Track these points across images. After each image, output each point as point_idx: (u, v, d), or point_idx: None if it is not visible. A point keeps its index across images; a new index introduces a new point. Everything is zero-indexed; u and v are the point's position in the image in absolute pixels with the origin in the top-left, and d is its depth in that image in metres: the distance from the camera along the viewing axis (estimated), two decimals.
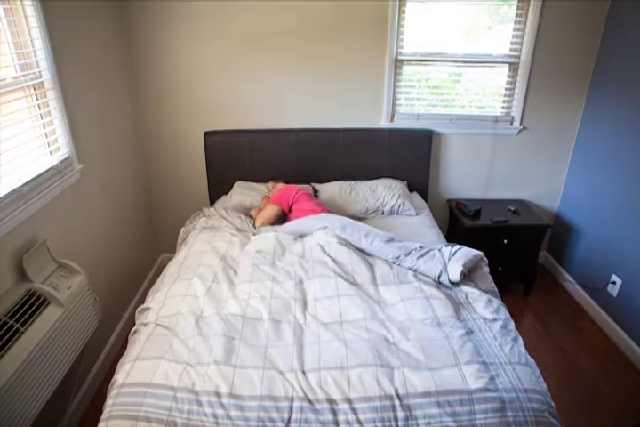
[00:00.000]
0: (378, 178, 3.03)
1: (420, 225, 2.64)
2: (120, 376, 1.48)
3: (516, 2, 2.79)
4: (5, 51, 1.72)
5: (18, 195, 1.66)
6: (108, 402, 1.42)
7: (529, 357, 1.58)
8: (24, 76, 1.79)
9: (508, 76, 2.98)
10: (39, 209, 1.81)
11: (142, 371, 1.48)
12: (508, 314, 1.81)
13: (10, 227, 1.62)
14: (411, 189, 3.09)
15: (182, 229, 2.63)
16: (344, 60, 2.87)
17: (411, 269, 2.03)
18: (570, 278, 3.13)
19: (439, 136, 3.10)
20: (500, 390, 1.42)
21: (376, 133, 3.01)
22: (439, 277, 1.96)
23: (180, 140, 3.06)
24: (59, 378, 1.65)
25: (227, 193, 3.00)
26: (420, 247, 2.10)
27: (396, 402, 1.38)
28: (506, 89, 3.03)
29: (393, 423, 1.34)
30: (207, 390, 1.40)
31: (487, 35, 2.92)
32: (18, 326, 1.51)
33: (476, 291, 1.91)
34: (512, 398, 1.40)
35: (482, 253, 2.04)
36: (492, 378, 1.45)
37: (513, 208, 3.04)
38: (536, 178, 3.23)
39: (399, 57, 2.89)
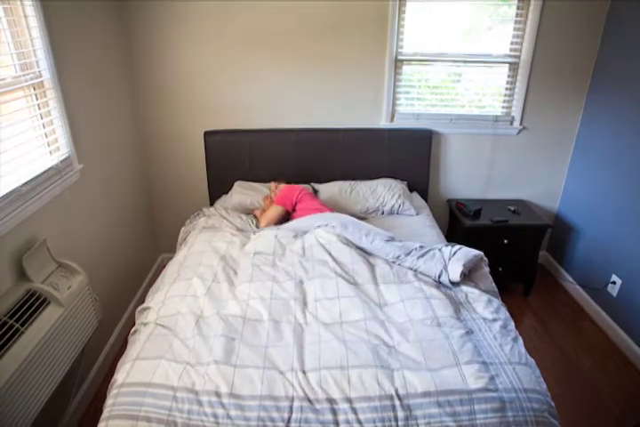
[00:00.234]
0: (378, 178, 3.03)
1: (420, 225, 2.64)
2: (120, 376, 1.48)
3: (516, 2, 2.79)
4: (5, 50, 1.72)
5: (18, 195, 1.66)
6: (108, 402, 1.41)
7: (529, 357, 1.58)
8: (24, 75, 1.79)
9: (508, 76, 2.98)
10: (39, 209, 1.81)
11: (142, 371, 1.48)
12: (508, 314, 1.81)
13: (10, 227, 1.62)
14: (411, 189, 3.09)
15: (182, 228, 2.63)
16: (344, 60, 2.87)
17: (411, 268, 2.03)
18: (570, 278, 3.13)
19: (439, 136, 3.11)
20: (500, 390, 1.42)
21: (376, 133, 3.01)
22: (439, 277, 1.96)
23: (180, 140, 3.06)
24: (59, 378, 1.65)
25: (227, 193, 3.00)
26: (421, 247, 2.10)
27: (397, 402, 1.38)
28: (506, 89, 3.03)
29: (393, 423, 1.34)
30: (207, 390, 1.40)
31: (487, 35, 2.92)
32: (18, 325, 1.51)
33: (476, 291, 1.91)
34: (512, 398, 1.40)
35: (482, 253, 2.04)
36: (492, 378, 1.45)
37: (513, 208, 3.04)
38: (536, 178, 3.23)
39: (399, 57, 2.89)
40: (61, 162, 1.98)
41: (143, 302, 1.97)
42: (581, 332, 2.74)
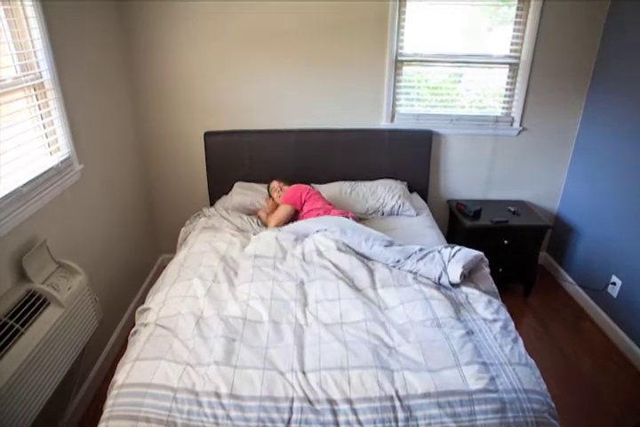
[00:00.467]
0: (378, 178, 3.03)
1: (420, 226, 2.64)
2: (120, 377, 1.48)
3: (516, 2, 2.79)
4: (6, 51, 1.72)
5: (18, 195, 1.66)
6: (108, 402, 1.41)
7: (529, 357, 1.58)
8: (24, 76, 1.79)
9: (509, 77, 2.98)
10: (39, 209, 1.81)
11: (142, 371, 1.48)
12: (508, 315, 1.80)
13: (10, 227, 1.62)
14: (411, 190, 3.09)
15: (182, 229, 2.63)
16: (344, 60, 2.87)
17: (411, 271, 2.03)
18: (570, 279, 3.13)
19: (439, 137, 3.11)
20: (501, 390, 1.42)
21: (376, 134, 3.01)
22: (439, 278, 1.96)
23: (180, 140, 3.06)
24: (59, 378, 1.65)
25: (227, 193, 3.00)
26: (420, 250, 2.10)
27: (397, 403, 1.38)
28: (506, 90, 3.03)
29: (393, 424, 1.34)
30: (207, 391, 1.40)
31: (487, 35, 2.92)
32: (18, 326, 1.51)
33: (476, 292, 1.91)
34: (512, 399, 1.40)
35: (482, 253, 2.04)
36: (492, 379, 1.45)
37: (513, 209, 3.04)
38: (536, 179, 3.23)
39: (399, 57, 2.89)
40: (62, 162, 1.98)
41: (143, 302, 1.97)
42: (581, 333, 2.74)
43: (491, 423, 1.35)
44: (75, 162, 2.11)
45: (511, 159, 3.17)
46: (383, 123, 3.06)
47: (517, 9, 2.81)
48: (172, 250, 2.68)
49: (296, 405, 1.37)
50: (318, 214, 2.48)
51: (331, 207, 2.55)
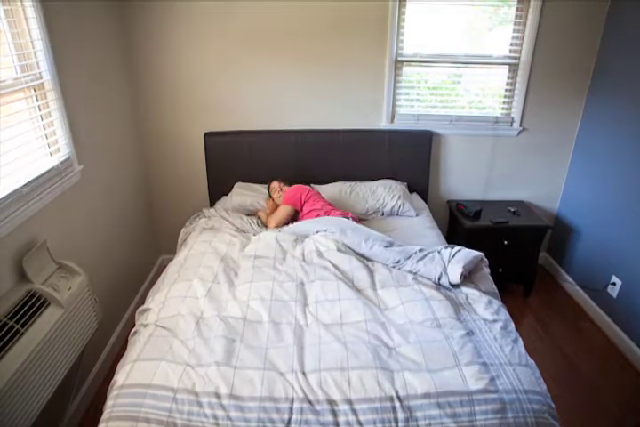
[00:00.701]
0: (378, 179, 3.03)
1: (420, 226, 2.64)
2: (120, 377, 1.48)
3: (515, 3, 2.80)
4: (6, 52, 1.72)
5: (18, 196, 1.66)
6: (108, 403, 1.42)
7: (529, 358, 1.59)
8: (24, 77, 1.79)
9: (508, 77, 2.99)
10: (39, 210, 1.81)
11: (142, 372, 1.48)
12: (508, 315, 1.81)
13: (10, 228, 1.62)
14: (411, 190, 3.09)
15: (182, 229, 2.63)
16: (344, 60, 2.87)
17: (410, 272, 2.03)
18: (570, 279, 3.13)
19: (439, 137, 3.11)
20: (501, 391, 1.42)
21: (376, 134, 3.02)
22: (439, 279, 1.96)
23: (180, 140, 3.06)
24: (59, 379, 1.65)
25: (227, 194, 3.00)
26: (420, 250, 2.10)
27: (397, 403, 1.38)
28: (506, 90, 3.03)
29: (393, 425, 1.34)
30: (207, 391, 1.40)
31: (487, 36, 2.93)
32: (18, 327, 1.51)
33: (476, 292, 1.91)
34: (512, 400, 1.40)
35: (482, 253, 2.04)
36: (492, 379, 1.45)
37: (513, 209, 3.05)
38: (536, 179, 3.23)
39: (399, 58, 2.89)
40: (62, 163, 1.98)
41: (143, 303, 1.97)
42: (581, 333, 2.74)
43: (491, 424, 1.35)
44: (75, 163, 2.11)
45: (511, 160, 3.17)
46: (383, 123, 3.06)
47: (517, 9, 2.81)
48: (172, 250, 2.68)
49: (296, 405, 1.37)
50: (318, 215, 2.48)
51: (331, 208, 2.55)
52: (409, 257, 2.07)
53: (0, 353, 1.41)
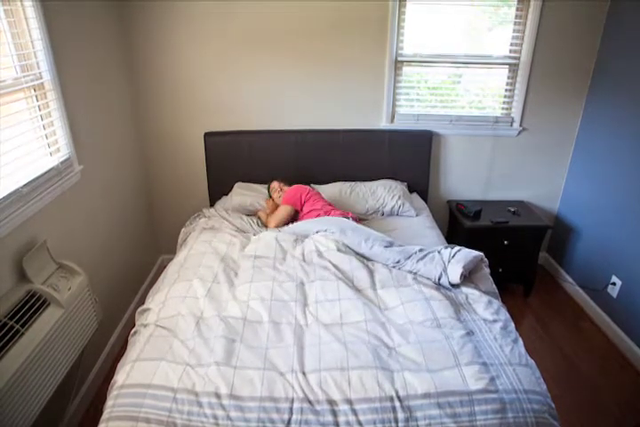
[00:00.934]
0: (378, 179, 3.03)
1: (420, 226, 2.64)
2: (120, 377, 1.48)
3: (515, 3, 2.80)
4: (6, 52, 1.72)
5: (18, 196, 1.66)
6: (108, 403, 1.42)
7: (529, 358, 1.59)
8: (24, 77, 1.79)
9: (508, 77, 2.99)
10: (39, 210, 1.81)
11: (142, 372, 1.48)
12: (508, 315, 1.81)
13: (10, 228, 1.62)
14: (411, 190, 3.09)
15: (182, 229, 2.63)
16: (344, 60, 2.87)
17: (410, 272, 2.03)
18: (570, 279, 3.13)
19: (439, 137, 3.11)
20: (501, 391, 1.42)
21: (376, 135, 3.02)
22: (439, 279, 1.96)
23: (180, 140, 3.06)
24: (59, 379, 1.65)
25: (227, 194, 3.00)
26: (420, 250, 2.10)
27: (397, 403, 1.38)
28: (506, 90, 3.03)
29: (393, 425, 1.34)
30: (207, 391, 1.40)
31: (487, 36, 2.93)
32: (18, 326, 1.51)
33: (476, 292, 1.91)
34: (512, 400, 1.40)
35: (482, 253, 2.04)
36: (492, 379, 1.45)
37: (513, 209, 3.05)
38: (536, 179, 3.23)
39: (399, 58, 2.89)
40: (62, 163, 1.98)
41: (143, 303, 1.97)
42: (581, 333, 2.74)
43: (491, 424, 1.35)
44: (75, 163, 2.11)
45: (511, 160, 3.17)
46: (383, 123, 3.06)
47: (517, 9, 2.81)
48: (172, 250, 2.68)
49: (296, 405, 1.37)
50: (318, 215, 2.49)
51: (331, 208, 2.55)
52: (409, 257, 2.07)
53: (0, 353, 1.41)
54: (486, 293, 1.93)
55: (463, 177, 3.23)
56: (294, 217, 2.60)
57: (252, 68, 2.88)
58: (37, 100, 1.89)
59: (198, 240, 2.35)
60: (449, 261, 1.97)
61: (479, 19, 2.87)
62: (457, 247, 2.06)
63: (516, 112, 3.04)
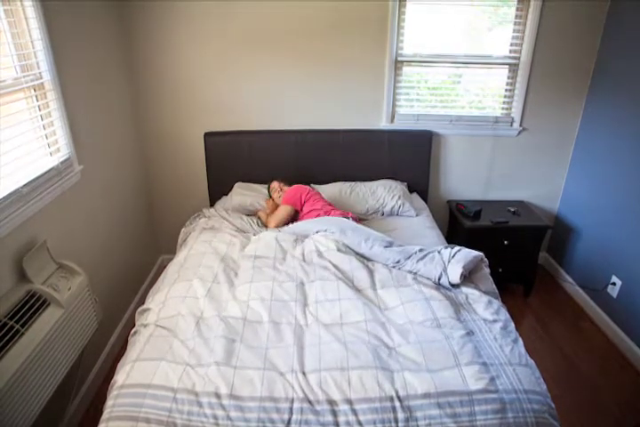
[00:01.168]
0: (378, 179, 3.03)
1: (420, 226, 2.64)
2: (120, 377, 1.48)
3: (515, 3, 2.80)
4: (6, 52, 1.72)
5: (18, 196, 1.66)
6: (108, 403, 1.42)
7: (529, 358, 1.59)
8: (24, 77, 1.79)
9: (508, 77, 2.99)
10: (39, 210, 1.81)
11: (142, 372, 1.48)
12: (508, 315, 1.81)
13: (10, 228, 1.62)
14: (411, 190, 3.09)
15: (182, 229, 2.63)
16: (344, 60, 2.87)
17: (410, 272, 2.03)
18: (570, 279, 3.13)
19: (439, 137, 3.11)
20: (501, 391, 1.42)
21: (376, 135, 3.01)
22: (439, 279, 1.96)
23: (180, 140, 3.06)
24: (59, 379, 1.65)
25: (227, 194, 3.00)
26: (420, 250, 2.10)
27: (397, 403, 1.38)
28: (506, 90, 3.03)
29: (393, 425, 1.34)
30: (207, 391, 1.40)
31: (487, 36, 2.92)
32: (18, 326, 1.51)
33: (476, 292, 1.91)
34: (512, 400, 1.40)
35: (482, 254, 2.04)
36: (492, 379, 1.45)
37: (513, 209, 3.04)
38: (536, 179, 3.23)
39: (399, 58, 2.89)
40: (62, 163, 1.98)
41: (143, 303, 1.97)
42: (581, 333, 2.74)
43: (491, 424, 1.35)
44: (75, 163, 2.11)
45: (511, 160, 3.17)
46: (383, 123, 3.06)
47: (517, 9, 2.81)
48: (172, 250, 2.68)
49: (296, 405, 1.37)
50: (318, 215, 2.49)
51: (331, 208, 2.55)
52: (409, 257, 2.07)
53: (0, 353, 1.41)
54: (486, 293, 1.93)
55: (463, 177, 3.23)
56: (294, 217, 2.60)
57: (252, 68, 2.88)
58: (37, 100, 1.89)
59: (198, 240, 2.35)
60: (449, 261, 1.97)
61: (479, 19, 2.87)
62: (457, 247, 2.06)
63: (516, 112, 3.03)
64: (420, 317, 1.73)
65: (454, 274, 1.92)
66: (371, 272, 2.03)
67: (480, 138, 3.10)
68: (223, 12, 2.73)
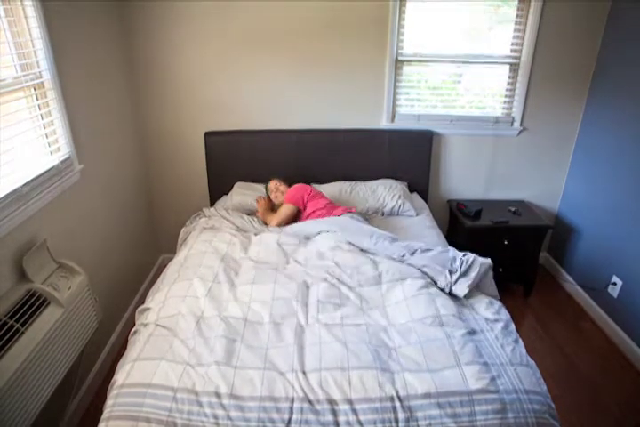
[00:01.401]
0: (378, 179, 3.03)
1: (421, 226, 2.64)
2: (120, 377, 1.48)
3: (516, 2, 2.79)
4: (6, 51, 1.72)
5: (18, 195, 1.66)
6: (108, 402, 1.41)
7: (530, 358, 1.58)
8: (24, 76, 1.79)
9: (509, 77, 2.98)
10: (39, 209, 1.81)
11: (142, 371, 1.48)
12: (509, 315, 1.80)
13: (10, 227, 1.62)
14: (411, 190, 3.09)
15: (183, 229, 2.62)
16: (344, 60, 2.87)
17: (415, 266, 2.03)
18: (570, 279, 3.13)
19: (439, 137, 3.10)
20: (501, 391, 1.42)
21: (376, 134, 3.01)
22: (442, 289, 1.92)
23: (180, 140, 3.06)
24: (59, 378, 1.65)
25: (227, 193, 3.00)
26: (426, 249, 2.10)
27: (397, 403, 1.37)
28: (506, 90, 3.02)
29: (394, 425, 1.34)
30: (207, 391, 1.40)
31: (487, 35, 2.92)
32: (18, 326, 1.51)
33: (478, 293, 1.91)
34: (513, 400, 1.40)
35: (490, 260, 1.98)
36: (492, 379, 1.45)
37: (513, 209, 3.04)
38: (536, 179, 3.23)
39: (399, 57, 2.89)
40: (62, 162, 1.98)
41: (143, 302, 1.97)
42: (582, 333, 2.74)
43: (491, 424, 1.35)
44: (75, 162, 2.10)
45: (511, 159, 3.17)
46: (383, 123, 3.06)
47: (517, 9, 2.81)
48: (172, 250, 2.68)
49: (296, 405, 1.37)
50: (321, 215, 2.48)
51: (333, 206, 2.55)
52: (413, 252, 2.09)
53: (0, 352, 1.41)
54: (487, 294, 1.93)
55: (463, 177, 3.23)
56: (296, 216, 2.59)
57: (253, 68, 2.88)
58: (37, 99, 1.88)
59: (198, 240, 2.34)
60: (458, 278, 1.90)
61: (480, 18, 2.86)
62: (470, 258, 1.96)
63: (516, 112, 3.03)
64: (422, 313, 1.72)
65: (461, 289, 1.87)
66: (376, 266, 2.03)
67: (480, 138, 3.10)
68: (223, 12, 2.73)
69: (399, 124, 3.06)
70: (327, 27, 2.78)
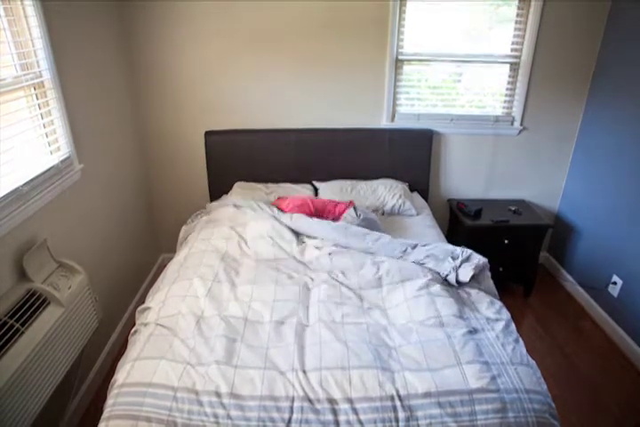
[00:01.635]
0: (378, 178, 3.03)
1: (421, 225, 2.64)
2: (120, 376, 1.48)
3: (516, 2, 2.79)
4: (6, 50, 1.72)
5: (18, 195, 1.66)
6: (109, 402, 1.41)
7: (530, 357, 1.58)
8: (24, 75, 1.79)
9: (509, 76, 2.98)
10: (39, 209, 1.81)
11: (142, 371, 1.48)
12: (509, 315, 1.80)
13: (10, 226, 1.61)
14: (411, 189, 3.08)
15: (183, 227, 2.62)
16: (345, 60, 2.87)
17: (417, 262, 2.03)
18: (570, 279, 3.13)
19: (439, 136, 3.10)
20: (502, 390, 1.42)
21: (377, 134, 3.01)
22: (447, 275, 1.96)
23: (180, 139, 3.06)
24: (59, 378, 1.65)
25: (227, 193, 2.99)
26: (425, 244, 2.13)
27: (397, 403, 1.37)
28: (506, 89, 3.02)
29: (394, 424, 1.34)
30: (208, 390, 1.40)
31: (488, 34, 2.92)
32: (18, 325, 1.51)
33: (479, 292, 1.91)
34: (513, 399, 1.40)
35: (486, 259, 2.05)
36: (493, 378, 1.45)
37: (513, 208, 3.04)
38: (537, 178, 3.23)
39: (400, 57, 2.89)
40: (62, 162, 1.98)
41: (143, 302, 1.97)
42: (582, 332, 2.74)
43: (491, 423, 1.35)
44: (75, 161, 2.10)
45: (512, 159, 3.17)
46: (383, 122, 3.06)
47: (518, 8, 2.80)
48: (173, 249, 2.68)
49: (296, 404, 1.37)
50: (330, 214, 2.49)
51: (335, 203, 2.53)
52: (414, 247, 2.11)
53: (0, 352, 1.41)
54: (487, 294, 1.94)
55: (464, 176, 3.23)
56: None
57: (253, 68, 2.87)
58: (37, 99, 1.88)
59: (198, 238, 2.34)
60: (461, 262, 1.98)
61: (480, 17, 2.86)
62: (468, 250, 2.07)
63: (516, 111, 3.03)
64: (422, 314, 1.72)
65: (465, 274, 1.92)
66: (376, 267, 2.03)
67: (481, 137, 3.10)
68: (224, 12, 2.72)
69: (399, 124, 3.06)
70: (327, 27, 2.78)
